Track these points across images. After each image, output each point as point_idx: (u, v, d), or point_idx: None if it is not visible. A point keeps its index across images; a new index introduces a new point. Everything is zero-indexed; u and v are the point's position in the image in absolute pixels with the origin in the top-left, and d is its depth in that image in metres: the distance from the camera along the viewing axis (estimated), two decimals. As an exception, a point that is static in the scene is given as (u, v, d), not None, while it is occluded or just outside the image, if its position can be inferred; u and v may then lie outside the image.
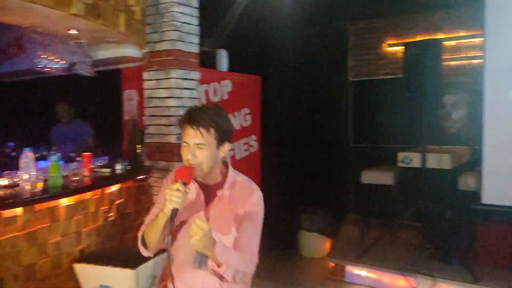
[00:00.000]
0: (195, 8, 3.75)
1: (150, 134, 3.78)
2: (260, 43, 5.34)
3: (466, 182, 4.49)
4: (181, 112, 3.64)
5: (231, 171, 1.90)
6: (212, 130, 1.73)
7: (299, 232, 5.06)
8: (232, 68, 4.65)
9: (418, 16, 5.81)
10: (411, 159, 4.73)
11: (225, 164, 1.91)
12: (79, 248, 2.92)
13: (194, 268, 1.74)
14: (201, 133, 1.71)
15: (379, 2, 5.68)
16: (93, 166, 3.48)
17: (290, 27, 5.41)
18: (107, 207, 3.24)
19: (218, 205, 1.83)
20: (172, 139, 3.62)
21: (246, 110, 4.75)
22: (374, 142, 5.98)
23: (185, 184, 1.64)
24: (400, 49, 5.73)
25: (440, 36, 5.55)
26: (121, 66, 4.19)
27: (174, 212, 1.62)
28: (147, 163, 3.83)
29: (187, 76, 3.69)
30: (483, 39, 4.13)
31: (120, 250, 2.99)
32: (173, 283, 1.67)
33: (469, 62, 5.48)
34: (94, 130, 4.71)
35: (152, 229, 1.76)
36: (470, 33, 5.43)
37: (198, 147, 1.72)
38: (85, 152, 3.37)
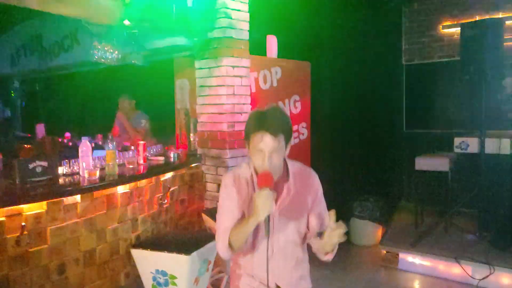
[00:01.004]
0: (246, -6, 3.74)
1: (202, 122, 3.85)
2: (310, 27, 5.27)
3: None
4: (232, 100, 3.68)
5: (289, 162, 1.95)
6: (282, 135, 1.79)
7: (350, 219, 5.02)
8: (281, 54, 4.61)
9: (475, -6, 5.51)
10: (468, 144, 4.55)
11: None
12: (135, 234, 3.04)
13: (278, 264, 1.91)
14: (277, 139, 1.76)
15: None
16: (148, 155, 3.58)
17: (341, 10, 5.29)
18: (162, 194, 3.34)
19: (287, 196, 1.90)
20: (224, 127, 3.67)
21: (296, 97, 4.72)
22: (428, 128, 5.80)
23: (270, 189, 1.71)
24: (456, 30, 5.51)
25: (500, 15, 5.23)
26: (173, 55, 4.26)
27: (268, 217, 1.76)
28: (199, 151, 3.90)
29: (238, 63, 3.71)
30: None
31: (174, 236, 3.08)
32: (267, 279, 1.86)
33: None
34: (148, 120, 4.84)
35: (241, 235, 1.81)
36: (533, 11, 5.09)
37: (274, 153, 1.77)
38: (141, 141, 3.47)
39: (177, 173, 3.60)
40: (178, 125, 4.36)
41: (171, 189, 3.49)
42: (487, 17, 5.15)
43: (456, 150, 4.64)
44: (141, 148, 3.34)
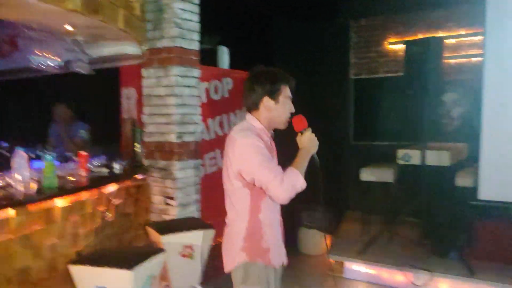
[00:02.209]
0: (196, 4, 3.71)
1: (149, 132, 3.75)
2: (261, 39, 5.31)
3: (464, 178, 4.49)
4: (182, 110, 3.62)
5: None
6: None
7: (299, 229, 5.06)
8: (233, 65, 4.61)
9: (419, 14, 5.78)
10: (411, 156, 4.72)
11: None
12: (76, 250, 2.89)
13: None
14: None
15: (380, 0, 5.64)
16: (90, 166, 3.44)
17: (292, 24, 5.37)
18: (105, 207, 3.21)
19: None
20: (172, 138, 3.59)
21: (246, 108, 4.71)
22: (374, 140, 5.96)
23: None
24: (401, 47, 5.71)
25: (441, 34, 5.52)
26: (120, 63, 4.14)
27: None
28: (146, 162, 3.80)
29: (188, 73, 3.66)
30: (483, 37, 4.12)
31: (118, 251, 2.97)
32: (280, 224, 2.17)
33: (469, 60, 5.46)
34: (91, 129, 4.67)
35: (302, 169, 2.02)
36: (470, 31, 5.41)
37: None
38: (82, 152, 3.33)
39: (121, 185, 3.48)
40: (124, 135, 4.23)
41: (115, 202, 3.37)
42: (428, 35, 5.41)
43: (399, 161, 4.80)
44: (83, 160, 3.19)
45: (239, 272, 2.04)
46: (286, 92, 2.09)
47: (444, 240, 4.39)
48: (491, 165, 4.01)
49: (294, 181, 1.95)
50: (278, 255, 2.11)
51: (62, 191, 2.78)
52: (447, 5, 5.49)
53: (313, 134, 2.07)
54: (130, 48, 3.74)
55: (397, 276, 4.16)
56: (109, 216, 3.28)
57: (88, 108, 4.88)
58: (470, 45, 5.43)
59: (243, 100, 2.14)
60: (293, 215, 5.19)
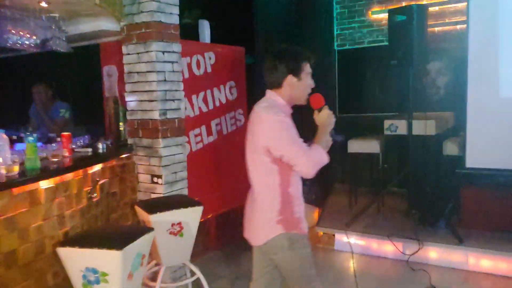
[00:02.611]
0: (174, -23, 3.59)
1: (132, 110, 3.68)
2: (243, 13, 5.20)
3: (451, 147, 4.53)
4: (164, 86, 3.54)
5: None
6: None
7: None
8: (215, 39, 4.51)
9: (402, -19, 5.71)
10: (397, 126, 4.74)
11: None
12: (63, 231, 2.85)
13: None
14: None
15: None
16: (74, 146, 3.38)
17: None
18: (90, 187, 3.16)
19: None
20: (155, 115, 3.52)
21: (232, 83, 4.65)
22: (360, 111, 5.97)
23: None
24: (384, 16, 5.67)
25: (424, 1, 5.47)
26: (99, 40, 4.02)
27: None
28: (130, 141, 3.74)
29: (168, 48, 3.56)
30: (466, 3, 4.09)
31: (105, 231, 2.92)
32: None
33: (453, 27, 5.44)
34: (73, 109, 4.57)
35: (324, 145, 2.15)
36: (454, -2, 5.36)
37: None
38: (64, 132, 3.25)
39: (106, 164, 3.42)
40: (107, 114, 4.14)
41: (100, 182, 3.31)
42: (412, 3, 5.34)
43: (386, 132, 4.83)
44: (66, 140, 3.12)
45: (280, 241, 2.16)
46: (307, 69, 2.17)
47: (432, 209, 4.45)
48: (477, 133, 4.04)
49: (320, 157, 2.10)
50: (306, 224, 2.25)
51: (45, 172, 2.71)
52: (430, -28, 5.43)
53: (331, 111, 2.17)
54: (108, 24, 3.62)
55: (387, 246, 4.22)
56: (95, 196, 3.23)
57: (69, 87, 4.77)
58: (454, 12, 5.40)
59: (264, 78, 2.22)
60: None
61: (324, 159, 2.12)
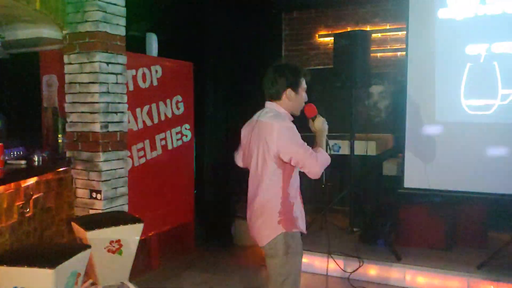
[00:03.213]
0: (122, -12, 3.53)
1: (72, 122, 3.53)
2: (193, 29, 5.19)
3: (390, 167, 4.71)
4: (106, 98, 3.44)
5: None
6: None
7: (234, 220, 5.04)
8: (162, 53, 4.45)
9: (348, 8, 5.95)
10: (340, 146, 4.89)
11: None
12: (-10, 248, 2.66)
13: None
14: None
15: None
16: (7, 158, 3.18)
17: (224, 14, 5.30)
18: (23, 202, 2.98)
19: None
20: (96, 127, 3.40)
21: (179, 98, 4.58)
22: (305, 131, 6.05)
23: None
24: (330, 40, 5.85)
25: (368, 28, 5.72)
26: (39, 48, 3.85)
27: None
28: (68, 153, 3.57)
29: (113, 60, 3.47)
30: (405, 32, 4.32)
31: (37, 248, 2.74)
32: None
33: (394, 54, 5.71)
34: (8, 119, 4.31)
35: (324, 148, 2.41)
36: (395, 26, 5.65)
37: None
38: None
39: (42, 178, 3.24)
40: (45, 125, 3.96)
41: (34, 196, 3.13)
42: (357, 29, 5.58)
43: (329, 152, 4.93)
44: (-4, 151, 2.93)
45: (279, 244, 2.31)
46: (303, 84, 2.39)
47: (372, 227, 4.57)
48: (414, 155, 4.23)
49: (326, 158, 2.37)
50: (303, 222, 2.42)
51: (-29, 185, 2.53)
52: (374, 1, 5.70)
53: (324, 119, 2.43)
54: (49, 32, 3.48)
55: (329, 264, 4.25)
56: (28, 211, 3.05)
57: (5, 96, 4.51)
58: (395, 40, 5.67)
59: (264, 90, 2.44)
60: (227, 206, 5.17)
61: (328, 160, 2.39)
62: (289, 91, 2.37)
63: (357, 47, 4.39)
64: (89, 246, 2.69)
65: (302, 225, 2.42)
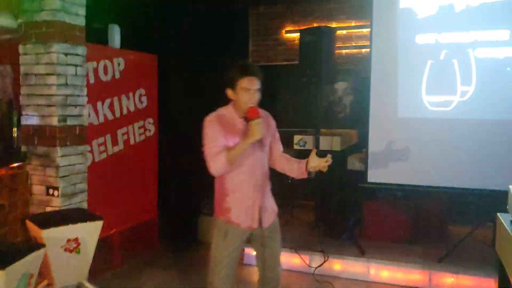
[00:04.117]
0: (81, -25, 3.38)
1: (28, 115, 3.36)
2: (156, 20, 5.06)
3: (354, 162, 4.76)
4: (65, 91, 3.30)
5: None
6: (260, 81, 2.44)
7: (199, 217, 4.97)
8: (125, 46, 4.31)
9: (314, 5, 5.96)
10: (306, 141, 4.91)
11: None
12: None
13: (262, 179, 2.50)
14: (260, 81, 2.43)
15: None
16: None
17: (189, 6, 5.20)
18: (-28, 199, 2.82)
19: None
20: (54, 121, 3.26)
21: (142, 91, 4.46)
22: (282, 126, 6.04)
23: (258, 118, 2.33)
24: (297, 35, 5.85)
25: (333, 25, 5.75)
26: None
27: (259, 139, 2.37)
28: (23, 148, 3.41)
29: (72, 51, 3.33)
30: (369, 29, 4.36)
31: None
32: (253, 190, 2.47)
33: (359, 51, 5.76)
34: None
35: (240, 152, 2.36)
36: (359, 24, 5.70)
37: (257, 91, 2.42)
38: None
39: (-6, 174, 3.09)
40: (-1, 118, 3.77)
41: (-15, 193, 2.98)
42: (323, 25, 5.60)
43: (295, 147, 4.96)
44: None
45: (211, 228, 2.59)
46: (242, 84, 2.38)
47: (337, 222, 4.60)
48: (377, 150, 4.28)
49: (218, 161, 2.36)
50: (245, 216, 2.48)
51: None
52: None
53: (260, 124, 2.32)
54: (2, 20, 3.30)
55: (294, 259, 4.26)
56: (-22, 209, 2.89)
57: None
58: (360, 37, 5.73)
59: None
60: (192, 203, 5.08)
61: (225, 163, 2.36)
62: (229, 90, 2.45)
63: (322, 43, 4.40)
64: (43, 246, 2.57)
65: (235, 217, 2.48)
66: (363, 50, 5.69)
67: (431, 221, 4.50)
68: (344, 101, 5.77)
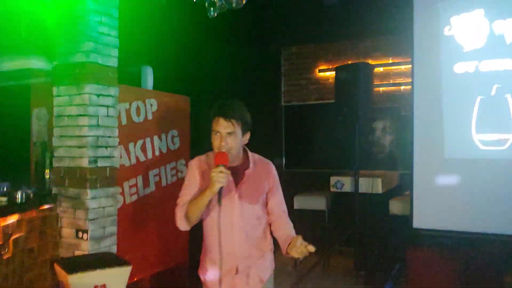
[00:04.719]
0: (115, 18, 3.40)
1: (59, 157, 3.33)
2: (189, 62, 5.09)
3: (397, 206, 4.48)
4: (96, 132, 3.26)
5: (250, 153, 2.29)
6: (238, 122, 2.12)
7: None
8: (158, 87, 4.31)
9: (347, 43, 5.88)
10: (343, 183, 4.68)
11: (244, 148, 2.28)
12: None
13: (239, 241, 2.17)
14: (232, 124, 2.10)
15: (310, 28, 5.68)
16: (-13, 194, 2.98)
17: (222, 47, 5.22)
18: (1, 242, 2.74)
19: (247, 181, 2.19)
20: (84, 162, 3.20)
21: (174, 132, 4.40)
22: (306, 167, 5.89)
23: (225, 166, 2.02)
24: (330, 74, 5.80)
25: (370, 61, 5.62)
26: (28, 81, 3.71)
27: (221, 189, 2.03)
28: (55, 190, 3.36)
29: (104, 92, 3.31)
30: (410, 66, 4.17)
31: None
32: (220, 252, 2.12)
33: (398, 88, 5.58)
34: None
35: (198, 206, 2.11)
36: (397, 60, 5.55)
37: (229, 135, 2.10)
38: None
39: (24, 216, 3.01)
40: (33, 160, 3.76)
41: (14, 236, 2.89)
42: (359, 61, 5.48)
43: (332, 189, 4.74)
44: (-27, 187, 2.73)
45: None
46: (213, 126, 2.14)
47: (379, 270, 4.30)
48: (423, 193, 3.98)
49: (177, 215, 2.21)
50: (215, 276, 2.20)
51: None
52: (374, 35, 5.63)
53: (222, 173, 1.99)
54: (37, 63, 3.34)
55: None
56: (6, 252, 2.80)
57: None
58: (398, 74, 5.58)
59: None
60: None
61: (181, 218, 2.20)
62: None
63: (359, 80, 4.27)
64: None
65: (209, 276, 2.23)
66: (402, 87, 5.52)
67: (484, 270, 4.10)
68: (383, 140, 5.54)
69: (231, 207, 2.14)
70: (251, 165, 2.22)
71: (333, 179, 4.73)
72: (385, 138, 5.55)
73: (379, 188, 4.51)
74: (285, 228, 2.24)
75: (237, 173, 2.17)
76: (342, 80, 4.41)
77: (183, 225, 2.19)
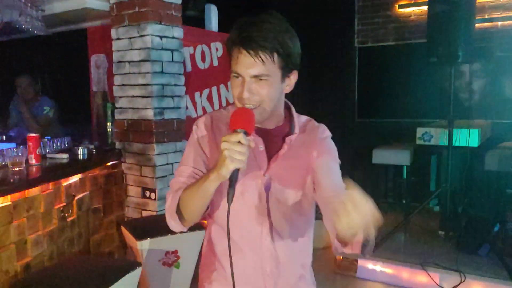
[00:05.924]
0: None
1: (121, 108, 3.03)
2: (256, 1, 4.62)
3: (492, 161, 3.91)
4: (160, 79, 2.90)
5: (294, 110, 1.40)
6: (276, 55, 1.21)
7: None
8: (223, 28, 3.88)
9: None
10: (432, 135, 4.15)
11: (285, 103, 1.39)
12: (23, 262, 2.21)
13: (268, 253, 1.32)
14: (261, 59, 1.18)
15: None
16: (48, 151, 2.75)
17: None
18: (64, 204, 2.52)
19: (287, 155, 1.31)
20: (149, 114, 2.89)
21: (241, 80, 4.02)
22: (383, 117, 5.39)
23: (247, 134, 1.13)
24: (413, 10, 5.15)
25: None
26: (84, 24, 3.39)
27: (236, 174, 1.12)
28: (118, 145, 3.09)
29: (167, 33, 2.93)
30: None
31: (76, 267, 2.22)
32: (231, 262, 1.16)
33: (494, 24, 4.82)
34: (59, 106, 3.92)
35: (196, 196, 1.20)
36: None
37: (258, 80, 1.21)
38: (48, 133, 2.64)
39: (87, 175, 2.78)
40: (94, 112, 3.52)
41: (78, 197, 2.67)
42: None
43: (419, 141, 4.23)
44: (33, 143, 2.47)
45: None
46: (233, 64, 1.23)
47: (474, 234, 3.82)
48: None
49: (166, 209, 1.28)
50: None
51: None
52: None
53: (241, 144, 1.09)
54: (93, 2, 2.99)
55: (420, 277, 3.57)
56: (70, 214, 2.59)
57: (53, 79, 4.14)
58: (495, 7, 4.79)
59: None
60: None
61: (167, 218, 1.28)
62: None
63: (459, 14, 3.60)
64: (139, 264, 2.18)
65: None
66: (499, 23, 4.75)
67: None
68: (474, 85, 4.89)
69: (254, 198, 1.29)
70: (296, 129, 1.35)
71: (419, 131, 4.21)
72: (476, 82, 4.88)
73: (476, 141, 3.94)
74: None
75: (271, 141, 1.32)
76: (437, 14, 3.76)
77: (174, 225, 1.29)
